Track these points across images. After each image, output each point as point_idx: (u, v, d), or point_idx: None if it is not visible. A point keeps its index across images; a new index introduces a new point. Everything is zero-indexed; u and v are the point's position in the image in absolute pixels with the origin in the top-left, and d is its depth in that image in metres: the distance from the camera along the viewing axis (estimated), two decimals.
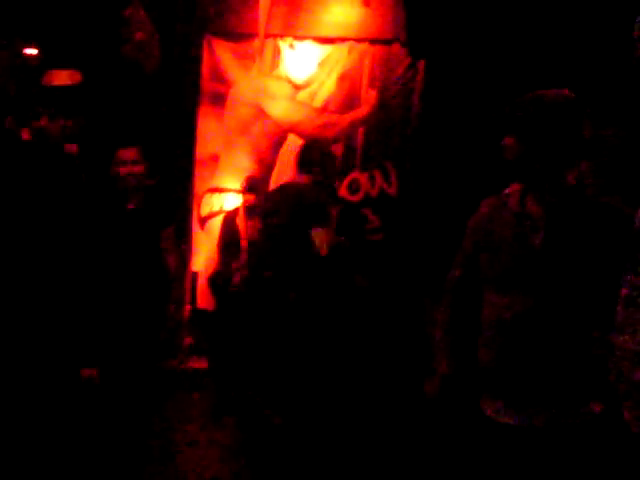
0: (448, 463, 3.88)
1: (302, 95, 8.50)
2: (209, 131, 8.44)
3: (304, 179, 5.97)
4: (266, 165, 8.34)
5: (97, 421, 4.67)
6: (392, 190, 8.37)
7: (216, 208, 8.24)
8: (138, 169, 5.49)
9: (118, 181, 5.43)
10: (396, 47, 8.55)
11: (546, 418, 3.07)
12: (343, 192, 8.26)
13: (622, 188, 3.76)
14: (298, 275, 5.60)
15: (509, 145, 3.13)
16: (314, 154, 6.20)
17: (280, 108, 8.40)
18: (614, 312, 2.90)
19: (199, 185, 8.44)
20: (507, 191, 3.33)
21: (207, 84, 8.50)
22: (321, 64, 8.51)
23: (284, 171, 8.35)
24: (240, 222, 7.33)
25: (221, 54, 8.50)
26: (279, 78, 8.47)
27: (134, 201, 5.42)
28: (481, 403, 3.21)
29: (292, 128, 8.39)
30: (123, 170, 5.45)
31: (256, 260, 6.11)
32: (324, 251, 5.64)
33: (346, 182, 8.31)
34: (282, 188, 6.17)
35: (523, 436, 3.09)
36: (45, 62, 8.71)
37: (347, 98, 8.54)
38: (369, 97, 8.50)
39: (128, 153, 5.53)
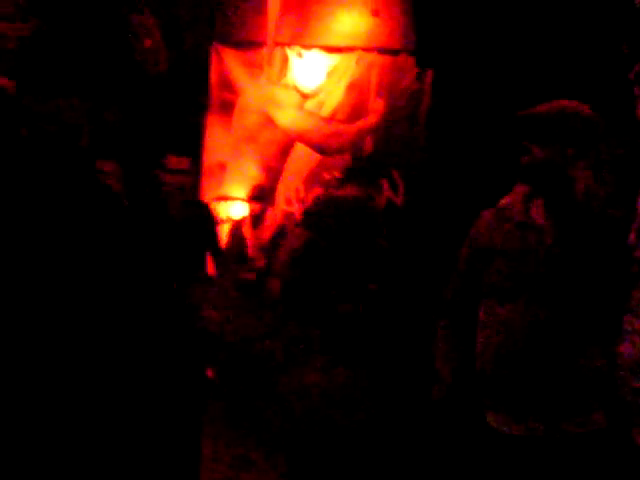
0: (451, 471, 3.88)
1: (310, 104, 8.51)
2: (217, 139, 8.47)
3: (357, 191, 5.91)
4: (273, 173, 8.35)
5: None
6: (399, 199, 8.37)
7: (223, 216, 8.26)
8: (184, 180, 5.41)
9: (161, 187, 5.35)
10: (404, 57, 8.57)
11: (548, 428, 3.06)
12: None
13: (626, 200, 3.75)
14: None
15: (532, 152, 3.10)
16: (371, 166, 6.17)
17: (288, 117, 8.40)
18: (618, 322, 2.91)
19: (206, 193, 8.45)
20: (504, 201, 3.31)
21: (215, 92, 8.54)
22: (329, 73, 8.53)
23: (291, 181, 8.37)
24: (247, 231, 7.35)
25: (229, 62, 8.53)
26: (287, 87, 8.48)
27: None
28: (485, 413, 3.19)
29: (299, 137, 8.39)
30: (170, 178, 5.37)
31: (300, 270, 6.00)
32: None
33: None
34: (340, 201, 6.10)
35: (526, 446, 3.08)
36: None
37: (355, 107, 8.55)
38: (376, 106, 8.51)
39: (179, 162, 5.44)
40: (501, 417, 3.15)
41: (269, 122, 8.32)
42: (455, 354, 3.34)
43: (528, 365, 3.07)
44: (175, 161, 5.34)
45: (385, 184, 8.38)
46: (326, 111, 8.52)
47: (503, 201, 3.31)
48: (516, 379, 3.09)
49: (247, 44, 8.55)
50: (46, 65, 7.94)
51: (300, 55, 8.50)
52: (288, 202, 8.21)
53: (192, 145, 8.31)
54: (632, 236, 2.90)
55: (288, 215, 7.97)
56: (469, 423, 3.24)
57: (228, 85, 8.56)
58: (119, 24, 8.14)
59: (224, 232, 7.90)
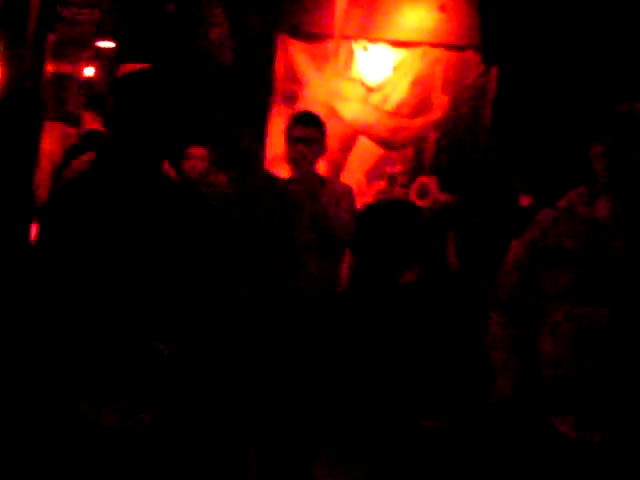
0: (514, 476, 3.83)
1: (374, 98, 8.52)
2: (281, 130, 8.47)
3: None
4: (335, 166, 8.36)
5: None
6: (446, 197, 8.34)
7: None
8: (202, 165, 5.69)
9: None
10: (469, 53, 8.54)
11: (621, 433, 3.00)
12: (412, 196, 8.26)
13: None
14: None
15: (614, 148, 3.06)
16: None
17: (352, 110, 8.43)
18: None
19: None
20: (568, 199, 3.25)
21: (280, 84, 8.56)
22: (394, 68, 8.52)
23: (353, 173, 8.38)
24: None
25: (295, 54, 8.55)
26: (352, 80, 8.50)
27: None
28: (552, 419, 3.12)
29: (363, 130, 8.41)
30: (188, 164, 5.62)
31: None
32: None
33: (415, 187, 8.30)
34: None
35: (597, 452, 3.02)
36: (120, 55, 8.83)
37: (419, 103, 8.54)
38: (441, 102, 8.50)
39: (196, 150, 5.73)
40: (573, 422, 3.09)
41: (333, 115, 8.32)
42: (515, 361, 3.28)
43: (603, 367, 3.01)
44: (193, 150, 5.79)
45: (433, 184, 8.34)
46: (390, 105, 8.52)
47: (567, 198, 3.26)
48: (590, 382, 3.02)
49: (313, 36, 8.57)
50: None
51: (366, 49, 8.50)
52: None
53: (256, 136, 8.36)
54: None
55: None
56: (530, 428, 3.19)
57: (293, 77, 8.57)
58: (187, 13, 8.19)
59: None
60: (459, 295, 7.14)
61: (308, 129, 5.10)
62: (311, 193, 5.02)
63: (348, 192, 5.28)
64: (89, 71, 11.42)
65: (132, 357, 2.92)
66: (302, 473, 4.91)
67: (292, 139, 5.16)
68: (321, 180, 5.22)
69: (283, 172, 8.39)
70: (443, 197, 8.31)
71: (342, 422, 5.47)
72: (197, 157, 6.53)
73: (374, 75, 8.49)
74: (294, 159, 5.12)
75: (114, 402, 2.93)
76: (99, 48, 10.80)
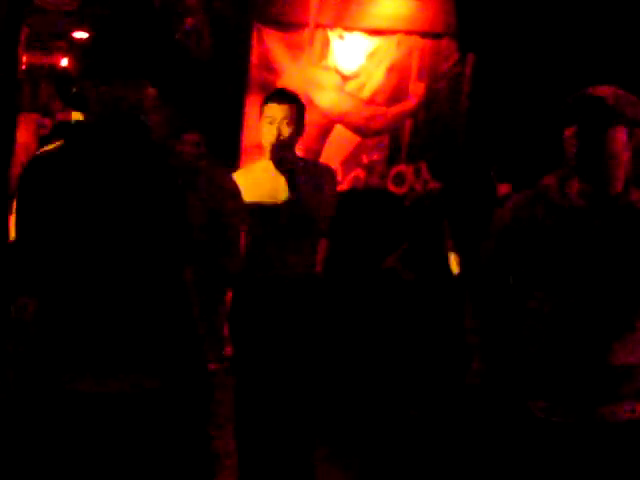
0: (489, 458, 3.84)
1: (350, 86, 8.53)
2: (256, 120, 8.47)
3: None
4: (312, 154, 8.35)
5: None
6: (437, 184, 8.36)
7: None
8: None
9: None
10: (445, 41, 8.56)
11: (593, 415, 3.02)
12: (388, 184, 8.28)
13: None
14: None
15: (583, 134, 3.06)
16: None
17: (328, 98, 8.43)
18: None
19: None
20: (537, 185, 3.26)
21: (256, 73, 8.53)
22: (370, 56, 8.52)
23: (330, 162, 8.38)
24: None
25: (270, 43, 8.53)
26: (327, 69, 8.50)
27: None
28: (528, 402, 3.14)
29: (339, 119, 8.42)
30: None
31: None
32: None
33: (391, 174, 8.32)
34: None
35: (570, 433, 3.04)
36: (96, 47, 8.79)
37: (395, 90, 8.55)
38: (417, 90, 8.51)
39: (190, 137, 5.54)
40: (549, 405, 3.11)
41: (309, 104, 8.30)
42: (491, 342, 3.29)
43: (575, 350, 3.03)
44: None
45: (424, 168, 8.37)
46: (366, 93, 8.53)
47: (540, 183, 3.26)
48: (565, 366, 3.04)
49: (288, 25, 8.55)
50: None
51: (341, 37, 8.50)
52: None
53: (231, 125, 8.33)
54: None
55: None
56: (506, 410, 3.20)
57: (268, 66, 8.55)
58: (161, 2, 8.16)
59: None
60: (452, 286, 7.18)
61: (280, 106, 4.98)
62: (287, 177, 4.93)
63: (329, 173, 5.18)
64: (64, 62, 11.36)
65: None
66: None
67: (265, 118, 5.04)
68: (299, 161, 5.10)
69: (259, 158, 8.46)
70: (432, 185, 8.34)
71: (327, 411, 5.48)
72: (189, 143, 6.46)
73: (350, 63, 8.49)
74: (268, 139, 4.99)
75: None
76: (75, 39, 10.74)
